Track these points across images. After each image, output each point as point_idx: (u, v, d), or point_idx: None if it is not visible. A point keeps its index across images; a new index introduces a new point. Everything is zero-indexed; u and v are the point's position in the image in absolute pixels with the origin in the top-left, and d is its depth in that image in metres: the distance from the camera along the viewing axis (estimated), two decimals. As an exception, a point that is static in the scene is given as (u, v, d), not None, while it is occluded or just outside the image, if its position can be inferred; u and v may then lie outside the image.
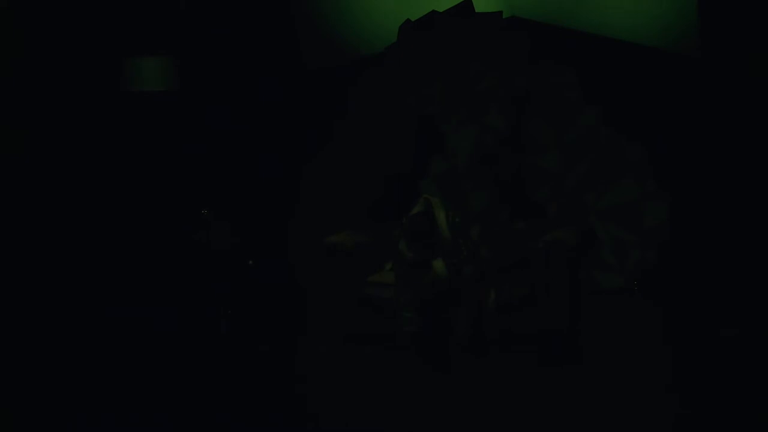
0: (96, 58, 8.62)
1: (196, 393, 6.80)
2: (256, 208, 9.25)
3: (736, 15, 9.20)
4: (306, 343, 8.02)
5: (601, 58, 9.41)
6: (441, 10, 9.35)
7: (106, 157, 8.90)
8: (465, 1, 9.31)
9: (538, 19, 9.54)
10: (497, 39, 9.26)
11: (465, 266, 7.51)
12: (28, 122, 8.24)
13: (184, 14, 8.81)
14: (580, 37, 9.46)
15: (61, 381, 7.19)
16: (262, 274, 7.72)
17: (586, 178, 9.27)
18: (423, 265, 7.59)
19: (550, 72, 9.34)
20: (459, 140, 9.29)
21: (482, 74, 9.26)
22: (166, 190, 9.22)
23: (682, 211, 9.22)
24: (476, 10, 9.34)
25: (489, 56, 9.25)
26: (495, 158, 9.30)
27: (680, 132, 9.40)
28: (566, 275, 7.66)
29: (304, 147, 9.69)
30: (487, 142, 9.17)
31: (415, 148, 9.65)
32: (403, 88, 9.45)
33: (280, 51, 9.66)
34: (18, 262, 8.19)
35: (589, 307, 8.09)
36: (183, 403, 6.61)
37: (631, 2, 9.44)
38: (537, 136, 9.38)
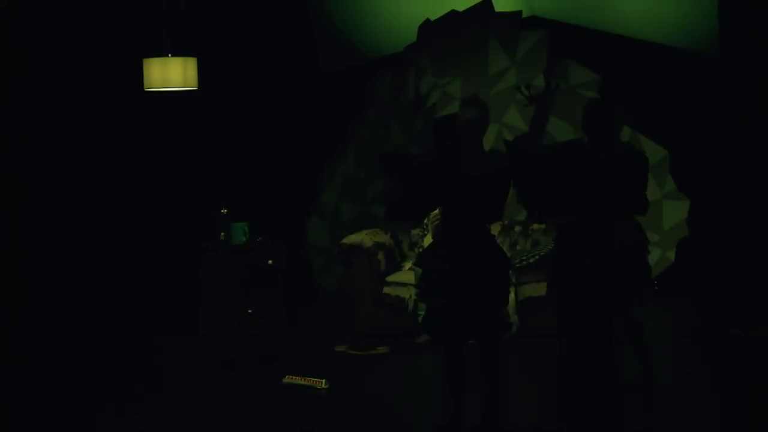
0: (96, 58, 8.67)
1: (199, 392, 6.82)
2: (272, 207, 9.27)
3: (756, 15, 9.19)
4: (320, 342, 8.04)
5: (620, 57, 9.39)
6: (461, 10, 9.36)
7: (116, 159, 8.93)
8: (484, 1, 9.30)
9: (557, 19, 9.53)
10: (516, 38, 9.24)
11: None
12: (26, 123, 8.29)
13: (199, 16, 8.84)
14: (600, 36, 9.45)
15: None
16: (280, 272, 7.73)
17: (606, 177, 9.24)
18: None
19: (569, 71, 9.32)
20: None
21: (501, 74, 9.25)
22: (184, 190, 9.25)
23: (702, 210, 9.19)
24: (496, 10, 9.33)
25: (508, 56, 9.23)
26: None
27: (700, 131, 9.38)
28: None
29: (318, 147, 9.70)
30: (506, 142, 9.16)
31: (435, 147, 9.65)
32: (423, 87, 9.45)
33: (296, 53, 9.69)
34: (19, 263, 8.24)
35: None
36: (181, 402, 6.64)
37: (651, 2, 9.42)
38: (557, 135, 9.36)
